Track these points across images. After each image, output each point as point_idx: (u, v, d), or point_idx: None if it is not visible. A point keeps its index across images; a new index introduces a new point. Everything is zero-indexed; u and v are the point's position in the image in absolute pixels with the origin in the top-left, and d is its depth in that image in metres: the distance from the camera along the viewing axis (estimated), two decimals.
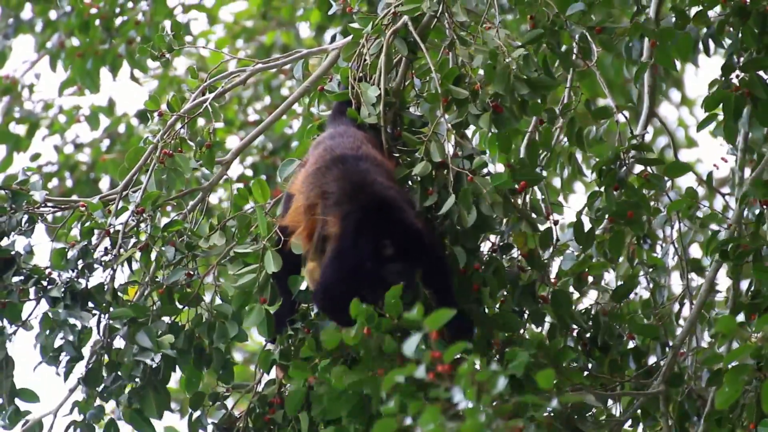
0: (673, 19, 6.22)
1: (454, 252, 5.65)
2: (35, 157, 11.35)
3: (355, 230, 5.45)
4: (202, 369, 5.82)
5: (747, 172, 6.67)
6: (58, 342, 5.72)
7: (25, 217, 5.92)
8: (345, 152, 5.64)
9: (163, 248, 5.85)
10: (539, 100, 5.85)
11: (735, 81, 6.16)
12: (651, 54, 6.41)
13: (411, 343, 4.49)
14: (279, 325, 5.73)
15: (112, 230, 5.89)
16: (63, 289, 5.76)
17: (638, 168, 6.10)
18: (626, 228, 6.08)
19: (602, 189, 6.02)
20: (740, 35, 6.16)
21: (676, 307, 6.41)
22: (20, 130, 11.29)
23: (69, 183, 11.41)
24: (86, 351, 5.82)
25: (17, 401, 5.77)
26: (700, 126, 6.32)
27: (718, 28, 6.19)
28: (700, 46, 6.27)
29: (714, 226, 6.38)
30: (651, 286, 6.40)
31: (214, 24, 11.42)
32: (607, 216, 6.01)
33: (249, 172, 10.92)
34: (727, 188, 6.65)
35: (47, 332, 5.72)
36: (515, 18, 6.74)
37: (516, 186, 5.73)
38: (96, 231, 5.89)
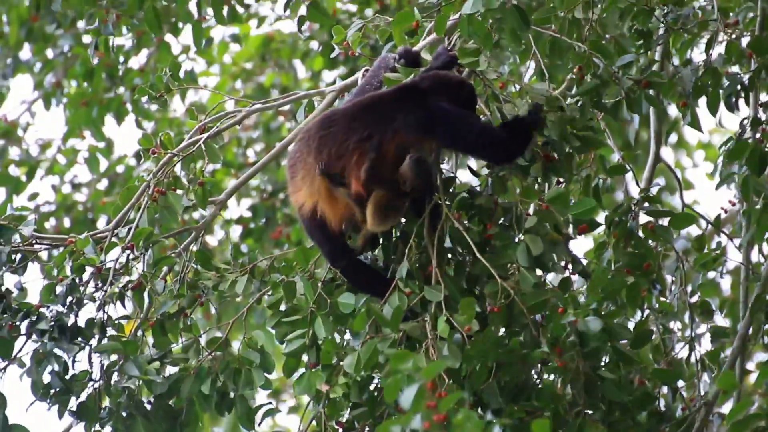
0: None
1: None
2: (33, 196, 11.38)
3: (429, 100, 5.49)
4: (224, 414, 5.83)
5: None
6: (47, 377, 5.74)
7: (19, 255, 5.93)
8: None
9: (154, 282, 5.87)
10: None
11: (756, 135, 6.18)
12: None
13: (407, 394, 4.51)
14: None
15: (103, 267, 5.89)
16: (51, 323, 5.77)
17: (644, 218, 6.08)
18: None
19: (610, 239, 6.00)
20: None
21: (686, 352, 6.37)
22: (18, 172, 11.33)
23: (66, 223, 11.42)
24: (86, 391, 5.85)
25: None
26: (720, 184, 6.30)
27: (749, 83, 6.18)
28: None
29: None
30: (661, 331, 6.36)
31: (212, 65, 11.47)
32: (613, 267, 5.98)
33: (248, 214, 10.93)
34: (726, 229, 6.64)
35: (37, 367, 5.73)
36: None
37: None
38: (87, 267, 5.89)
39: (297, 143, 5.61)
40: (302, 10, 7.37)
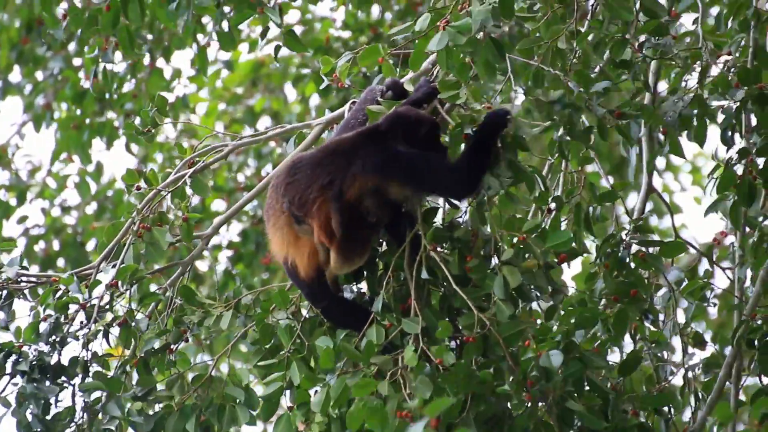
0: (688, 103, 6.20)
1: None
2: (22, 219, 11.38)
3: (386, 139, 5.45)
4: None
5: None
6: (29, 416, 5.72)
7: (5, 292, 5.93)
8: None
9: (137, 319, 5.86)
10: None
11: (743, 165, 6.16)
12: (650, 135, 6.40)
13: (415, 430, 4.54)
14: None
15: (87, 304, 5.88)
16: (33, 363, 5.76)
17: (635, 247, 6.06)
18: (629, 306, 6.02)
19: (601, 270, 5.98)
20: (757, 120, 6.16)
21: (680, 381, 6.36)
22: (7, 196, 11.33)
23: (56, 246, 11.43)
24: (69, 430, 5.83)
25: None
26: (708, 211, 6.28)
27: (736, 113, 6.17)
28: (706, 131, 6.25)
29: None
30: (653, 361, 6.34)
31: (202, 88, 11.48)
32: (604, 295, 5.97)
33: (238, 240, 10.92)
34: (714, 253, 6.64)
35: (20, 408, 5.72)
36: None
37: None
38: (71, 305, 5.89)
39: (269, 190, 5.61)
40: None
